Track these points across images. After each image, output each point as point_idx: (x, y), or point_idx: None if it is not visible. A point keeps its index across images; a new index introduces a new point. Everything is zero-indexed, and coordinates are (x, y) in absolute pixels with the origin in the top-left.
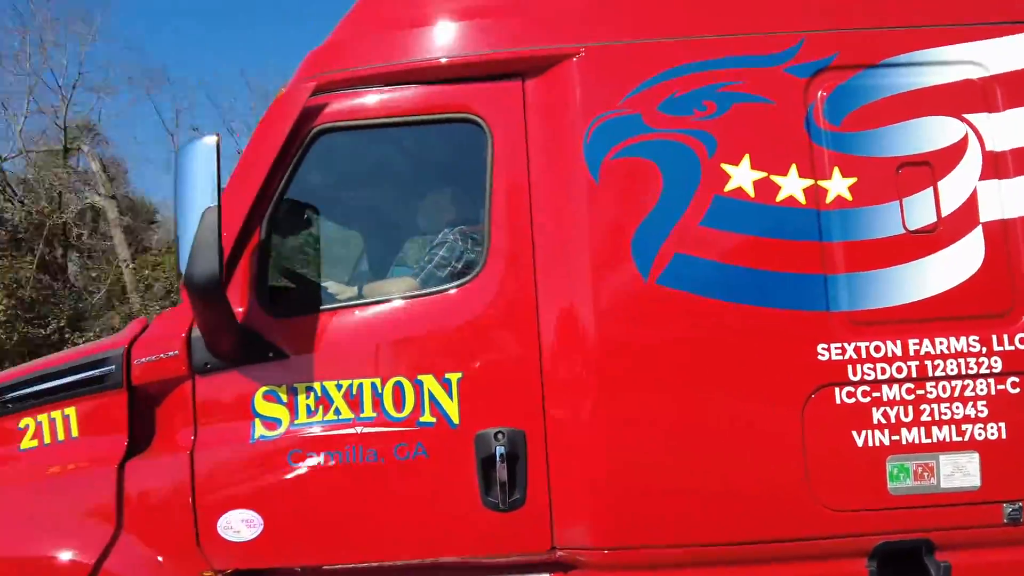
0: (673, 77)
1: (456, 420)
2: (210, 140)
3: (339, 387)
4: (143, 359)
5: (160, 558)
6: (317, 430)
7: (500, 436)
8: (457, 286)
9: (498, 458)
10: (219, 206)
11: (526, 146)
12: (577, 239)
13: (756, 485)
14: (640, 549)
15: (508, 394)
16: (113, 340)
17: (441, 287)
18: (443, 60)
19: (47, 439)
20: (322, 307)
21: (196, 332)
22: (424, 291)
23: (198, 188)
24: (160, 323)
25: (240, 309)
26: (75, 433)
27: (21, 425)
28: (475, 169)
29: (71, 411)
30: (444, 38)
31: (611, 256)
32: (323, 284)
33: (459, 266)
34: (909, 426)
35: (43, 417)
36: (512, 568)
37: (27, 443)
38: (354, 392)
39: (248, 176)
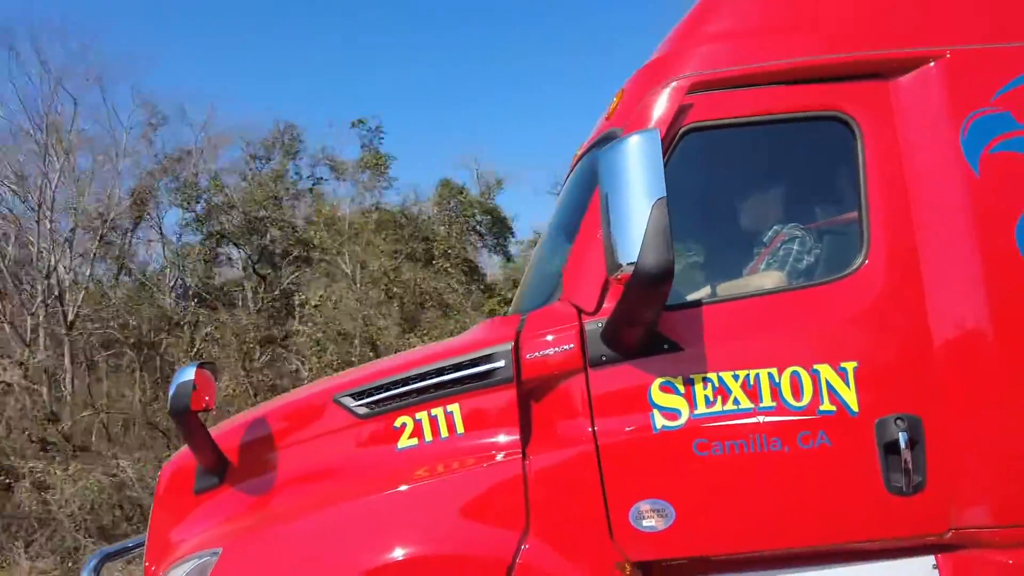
0: None
1: (855, 408)
2: (652, 132)
3: (736, 377)
4: (536, 353)
5: (575, 552)
6: (719, 420)
7: (900, 422)
8: (839, 279)
9: (902, 443)
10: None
11: (897, 143)
12: (960, 230)
13: None
14: None
15: (903, 382)
16: (480, 338)
17: (820, 280)
18: (813, 60)
19: (428, 437)
20: (704, 300)
21: (590, 326)
22: (799, 284)
23: (643, 180)
24: (541, 319)
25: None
26: (460, 430)
27: (397, 424)
28: (826, 166)
29: (455, 407)
30: (813, 39)
31: (998, 245)
32: (690, 277)
33: (811, 259)
34: None
35: (422, 415)
36: (898, 551)
37: (405, 442)
38: (752, 382)
39: None
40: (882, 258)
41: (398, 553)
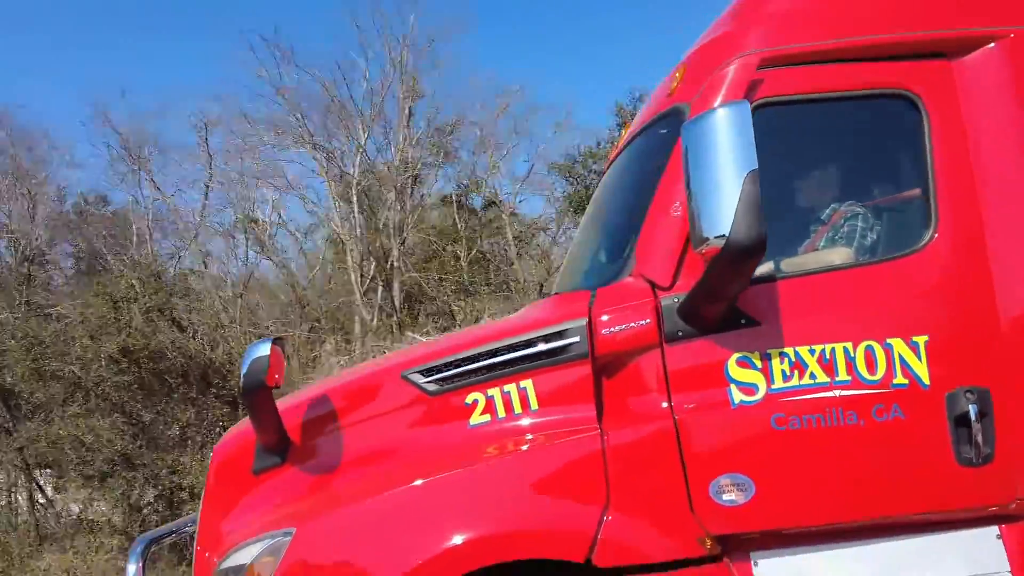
0: None
1: (927, 381)
2: (742, 104)
3: (812, 352)
4: (611, 329)
5: (657, 525)
6: (796, 394)
7: (970, 395)
8: (909, 254)
9: (973, 416)
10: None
11: (962, 121)
12: None
13: None
14: None
15: (972, 355)
16: (549, 315)
17: (890, 255)
18: (878, 39)
19: (501, 413)
20: (777, 275)
21: (665, 301)
22: (868, 259)
23: (734, 152)
24: (614, 295)
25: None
26: (534, 406)
27: (468, 400)
28: (889, 144)
29: (528, 384)
30: (878, 17)
31: None
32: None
33: (874, 236)
34: None
35: (494, 391)
36: (962, 522)
37: (477, 419)
38: (827, 356)
39: None
40: (951, 234)
41: (480, 530)
